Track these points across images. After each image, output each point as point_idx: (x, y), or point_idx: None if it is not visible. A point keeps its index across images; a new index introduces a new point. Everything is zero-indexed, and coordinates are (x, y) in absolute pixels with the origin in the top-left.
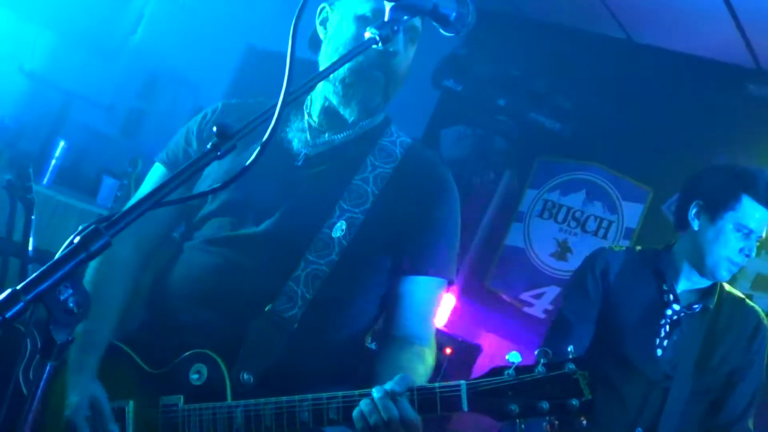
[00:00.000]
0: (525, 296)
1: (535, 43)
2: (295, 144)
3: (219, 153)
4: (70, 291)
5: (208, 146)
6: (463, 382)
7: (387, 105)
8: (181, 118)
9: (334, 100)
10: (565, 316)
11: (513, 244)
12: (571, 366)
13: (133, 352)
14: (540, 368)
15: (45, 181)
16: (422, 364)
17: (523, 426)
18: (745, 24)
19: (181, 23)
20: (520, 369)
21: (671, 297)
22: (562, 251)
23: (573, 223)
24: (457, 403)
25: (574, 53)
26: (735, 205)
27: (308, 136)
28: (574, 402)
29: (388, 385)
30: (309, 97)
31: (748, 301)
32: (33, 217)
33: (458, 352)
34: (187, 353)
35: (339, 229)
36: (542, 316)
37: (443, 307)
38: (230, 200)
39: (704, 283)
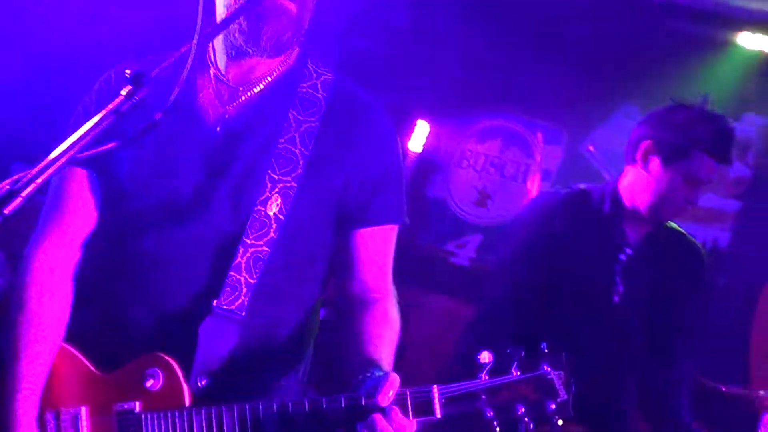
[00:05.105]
0: (450, 246)
1: None
2: (210, 109)
3: (135, 98)
4: None
5: (122, 92)
6: (434, 386)
7: (302, 36)
8: None
9: (241, 40)
10: (519, 294)
11: (434, 196)
12: (546, 366)
13: (83, 354)
14: (514, 370)
15: None
16: (388, 328)
17: (498, 429)
18: None
19: None
20: (493, 371)
21: (622, 240)
22: (482, 198)
23: (492, 170)
24: (429, 408)
25: None
26: (687, 156)
27: (222, 95)
28: (550, 404)
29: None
30: (210, 48)
31: (688, 236)
32: None
33: None
34: (139, 356)
35: (274, 204)
36: (467, 264)
37: None
38: (154, 187)
39: (650, 222)
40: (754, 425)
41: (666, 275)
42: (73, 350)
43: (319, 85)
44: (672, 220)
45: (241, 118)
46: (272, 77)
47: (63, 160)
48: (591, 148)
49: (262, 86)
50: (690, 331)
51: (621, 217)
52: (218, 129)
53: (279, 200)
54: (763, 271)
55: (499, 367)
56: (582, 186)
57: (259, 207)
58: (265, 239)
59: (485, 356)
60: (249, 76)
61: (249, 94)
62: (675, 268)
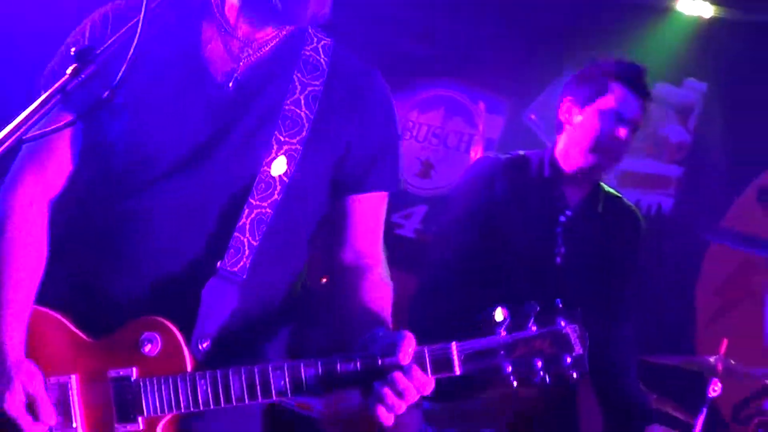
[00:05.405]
0: (395, 218)
1: None
2: (219, 63)
3: (82, 77)
4: None
5: (67, 71)
6: (453, 343)
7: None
8: None
9: (282, 6)
10: (462, 259)
11: None
12: (562, 321)
13: (68, 319)
14: (531, 325)
15: None
16: (385, 291)
17: (515, 384)
18: None
19: None
20: (511, 327)
21: (562, 203)
22: (426, 169)
23: (434, 141)
24: (448, 365)
25: None
26: (603, 92)
27: (232, 50)
28: (566, 357)
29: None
30: None
31: (625, 200)
32: None
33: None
34: (134, 320)
35: (279, 166)
36: (413, 235)
37: None
38: (154, 141)
39: (588, 185)
40: (703, 390)
41: (605, 236)
42: (58, 315)
43: (321, 50)
44: (610, 167)
45: (251, 76)
46: (279, 37)
47: (10, 141)
48: (533, 116)
49: (271, 45)
50: (629, 292)
51: (560, 180)
52: (230, 84)
53: (284, 162)
54: (707, 235)
55: (515, 323)
56: (521, 152)
57: (264, 168)
58: (269, 201)
59: (500, 313)
60: (255, 34)
61: (260, 51)
62: (613, 229)
